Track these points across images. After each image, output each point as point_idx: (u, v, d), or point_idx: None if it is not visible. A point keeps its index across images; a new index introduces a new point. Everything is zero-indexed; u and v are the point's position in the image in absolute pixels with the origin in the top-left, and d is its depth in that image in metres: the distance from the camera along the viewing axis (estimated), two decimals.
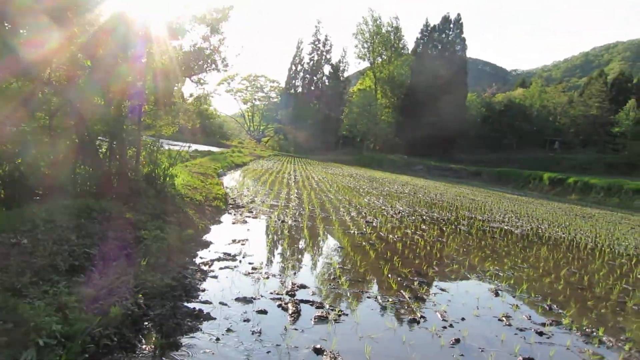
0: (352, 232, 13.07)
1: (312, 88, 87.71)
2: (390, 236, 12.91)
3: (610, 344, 6.56)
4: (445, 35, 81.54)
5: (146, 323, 5.55)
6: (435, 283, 8.96)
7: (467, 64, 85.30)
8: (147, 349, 5.12)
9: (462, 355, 5.59)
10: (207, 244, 9.81)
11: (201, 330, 5.79)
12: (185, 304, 6.47)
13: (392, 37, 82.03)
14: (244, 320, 6.29)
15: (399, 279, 8.69)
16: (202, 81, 13.35)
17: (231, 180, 24.29)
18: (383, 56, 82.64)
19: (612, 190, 47.62)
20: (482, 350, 5.78)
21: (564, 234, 18.29)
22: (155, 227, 8.40)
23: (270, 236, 11.09)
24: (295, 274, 8.73)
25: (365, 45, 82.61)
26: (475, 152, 79.46)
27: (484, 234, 15.72)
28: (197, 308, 6.44)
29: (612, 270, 11.70)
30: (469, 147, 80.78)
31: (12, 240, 6.06)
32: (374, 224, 14.93)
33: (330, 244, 11.13)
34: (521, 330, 6.75)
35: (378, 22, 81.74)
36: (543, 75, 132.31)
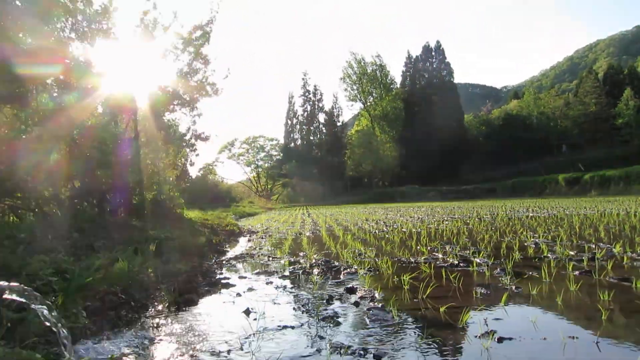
0: (372, 232, 12.69)
1: (311, 138, 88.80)
2: (414, 229, 12.47)
3: None
4: (429, 63, 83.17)
5: (159, 291, 5.14)
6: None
7: (457, 88, 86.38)
8: (160, 307, 4.70)
9: None
10: (222, 252, 9.44)
11: (220, 292, 5.37)
12: (201, 279, 6.06)
13: (379, 75, 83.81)
14: (267, 283, 5.87)
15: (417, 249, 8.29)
16: (195, 109, 13.31)
17: (244, 222, 24.01)
18: (374, 94, 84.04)
19: (631, 178, 46.62)
20: None
21: (592, 211, 17.73)
22: (164, 232, 8.07)
23: (288, 242, 10.64)
24: (317, 256, 8.31)
25: (355, 87, 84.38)
26: (484, 170, 78.77)
27: (508, 221, 15.23)
28: (215, 279, 6.04)
29: None
30: (478, 167, 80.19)
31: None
32: (394, 226, 14.51)
33: (350, 238, 10.66)
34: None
35: (362, 63, 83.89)
36: (534, 86, 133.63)
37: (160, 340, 3.70)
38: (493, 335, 3.37)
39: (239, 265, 7.72)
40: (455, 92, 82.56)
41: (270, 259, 8.29)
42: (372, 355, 3.11)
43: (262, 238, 12.67)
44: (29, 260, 4.39)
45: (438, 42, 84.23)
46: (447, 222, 15.35)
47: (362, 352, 3.18)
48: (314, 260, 7.60)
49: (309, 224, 18.51)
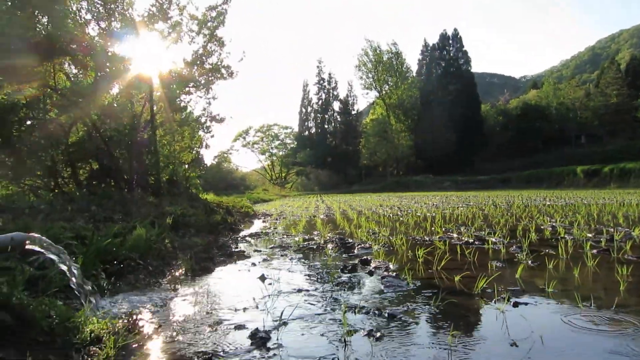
0: (386, 215, 12.68)
1: (325, 126, 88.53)
2: (429, 214, 12.44)
3: None
4: (446, 52, 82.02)
5: (175, 261, 5.21)
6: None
7: (475, 77, 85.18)
8: (177, 273, 4.78)
9: None
10: (237, 230, 9.51)
11: (235, 263, 5.43)
12: (217, 251, 6.13)
13: (395, 63, 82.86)
14: (282, 255, 5.92)
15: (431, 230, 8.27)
16: (211, 91, 13.34)
17: (259, 207, 24.12)
18: (389, 83, 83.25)
19: None
20: None
21: (611, 201, 17.47)
22: (180, 209, 8.16)
23: (302, 223, 10.68)
24: (331, 234, 8.35)
25: (370, 75, 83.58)
26: (501, 161, 77.74)
27: (524, 208, 15.09)
28: (230, 251, 6.11)
29: None
30: (494, 157, 79.19)
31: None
32: (408, 211, 14.48)
33: (364, 220, 10.66)
34: None
35: (378, 51, 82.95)
36: (553, 76, 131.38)
37: (178, 299, 3.77)
38: (509, 300, 3.37)
39: (254, 241, 7.79)
40: (472, 81, 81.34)
41: (285, 236, 8.35)
42: (387, 314, 3.13)
43: (277, 220, 12.74)
44: (49, 225, 4.48)
45: (455, 30, 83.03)
46: (462, 209, 15.25)
47: (376, 311, 3.20)
48: (328, 237, 7.63)
49: (323, 208, 18.54)
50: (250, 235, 8.66)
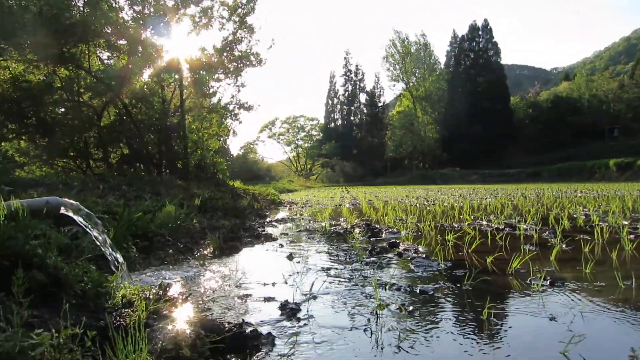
0: (413, 204, 12.58)
1: (351, 118, 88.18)
2: (456, 204, 12.25)
3: None
4: (475, 43, 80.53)
5: (203, 240, 5.24)
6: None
7: (504, 68, 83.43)
8: (206, 252, 4.80)
9: None
10: (263, 216, 9.54)
11: (262, 244, 5.43)
12: (244, 232, 6.15)
13: (423, 54, 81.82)
14: (309, 238, 5.90)
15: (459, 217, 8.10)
16: (240, 78, 13.38)
17: (284, 196, 24.20)
18: (417, 74, 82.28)
19: None
20: None
21: None
22: (208, 192, 8.22)
23: (328, 210, 10.64)
24: (358, 220, 8.30)
25: (397, 67, 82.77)
26: (530, 154, 76.10)
27: (554, 199, 14.74)
28: (257, 232, 6.13)
29: None
30: (523, 151, 77.59)
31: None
32: (435, 201, 14.31)
33: (390, 209, 10.56)
34: None
35: (406, 42, 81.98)
36: (586, 68, 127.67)
37: (207, 274, 3.79)
38: (545, 279, 3.26)
39: (281, 226, 7.80)
40: (501, 73, 79.70)
41: (311, 222, 8.33)
42: (418, 290, 3.07)
43: (302, 207, 12.74)
44: (82, 199, 4.55)
45: (485, 20, 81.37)
46: (490, 199, 14.97)
47: (407, 288, 3.14)
48: (354, 223, 7.58)
49: (349, 198, 18.47)
50: (277, 221, 8.67)
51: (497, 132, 72.87)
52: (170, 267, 3.99)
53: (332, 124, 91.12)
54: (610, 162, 53.51)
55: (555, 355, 1.96)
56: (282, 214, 11.00)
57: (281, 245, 5.25)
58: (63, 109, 9.88)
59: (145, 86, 11.57)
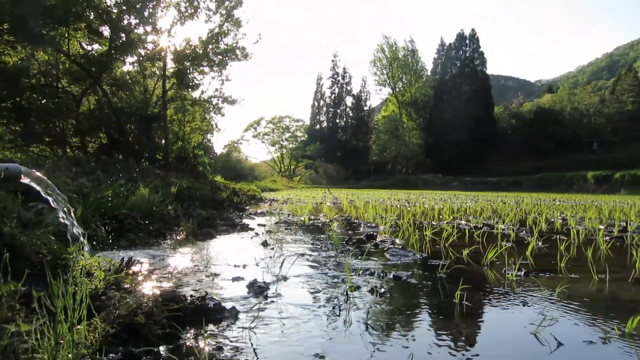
0: (394, 205, 12.56)
1: (337, 120, 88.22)
2: (436, 206, 12.27)
3: None
4: (462, 52, 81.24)
5: (177, 227, 5.12)
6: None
7: (490, 78, 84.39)
8: (179, 237, 4.68)
9: None
10: (242, 209, 9.40)
11: (238, 232, 5.33)
12: (220, 221, 6.04)
13: (410, 60, 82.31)
14: (286, 229, 5.82)
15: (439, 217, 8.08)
16: (224, 71, 13.23)
17: (266, 194, 24.05)
18: (403, 80, 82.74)
19: None
20: None
21: (622, 203, 17.21)
22: (186, 183, 8.08)
23: (309, 207, 10.56)
24: (337, 216, 8.25)
25: (384, 72, 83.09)
26: (511, 164, 77.05)
27: (533, 205, 14.87)
28: (234, 222, 6.02)
29: None
30: (504, 160, 78.50)
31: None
32: (416, 203, 14.35)
33: (371, 207, 10.53)
34: None
35: (394, 47, 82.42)
36: (569, 82, 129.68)
37: (177, 256, 3.67)
38: (519, 269, 3.23)
39: (259, 218, 7.69)
40: (487, 83, 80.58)
41: (290, 216, 8.23)
42: (392, 276, 3.01)
43: (283, 204, 12.64)
44: (51, 177, 4.39)
45: (473, 30, 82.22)
46: (470, 203, 15.06)
47: (381, 274, 3.08)
48: (334, 218, 7.52)
49: (330, 198, 18.41)
50: (256, 214, 8.56)
51: (480, 141, 73.60)
52: (140, 249, 3.86)
53: (318, 126, 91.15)
54: (589, 175, 54.47)
55: (527, 336, 1.91)
56: (262, 209, 10.88)
57: (257, 234, 5.16)
58: (40, 93, 9.61)
59: (127, 75, 11.36)
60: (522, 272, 3.17)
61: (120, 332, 1.66)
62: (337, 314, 2.17)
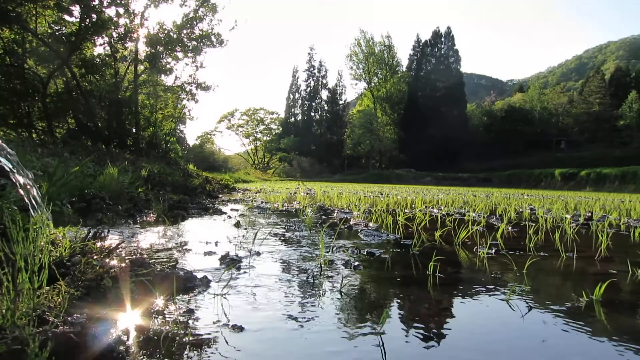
0: (367, 196, 12.62)
1: (312, 114, 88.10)
2: (409, 197, 12.35)
3: None
4: (437, 49, 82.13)
5: (147, 209, 5.01)
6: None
7: (463, 77, 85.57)
8: (149, 219, 4.58)
9: None
10: (215, 197, 9.28)
11: (211, 215, 5.25)
12: (192, 205, 5.94)
13: (386, 56, 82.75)
14: (259, 213, 5.76)
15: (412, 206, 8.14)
16: (199, 57, 13.00)
17: (240, 185, 23.84)
18: (379, 75, 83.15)
19: (626, 177, 46.57)
20: None
21: (587, 198, 17.68)
22: (157, 168, 7.92)
23: (282, 195, 10.50)
24: (312, 202, 8.21)
25: (360, 66, 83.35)
26: (482, 161, 78.52)
27: (503, 198, 15.10)
28: (206, 206, 5.93)
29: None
30: (475, 157, 79.92)
31: None
32: (389, 195, 14.44)
33: (345, 197, 10.54)
34: None
35: (371, 42, 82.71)
36: (540, 82, 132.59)
37: (147, 234, 3.59)
38: (490, 248, 3.27)
39: (232, 205, 7.60)
40: (460, 81, 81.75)
41: (264, 203, 8.17)
42: (366, 252, 3.01)
43: (257, 193, 12.54)
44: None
45: (449, 28, 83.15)
46: (442, 196, 15.25)
47: (355, 250, 3.07)
48: (307, 204, 7.49)
49: (304, 189, 18.39)
50: (229, 201, 8.46)
51: (453, 137, 74.68)
52: (108, 227, 3.76)
53: (292, 119, 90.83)
54: (556, 172, 55.92)
55: (499, 303, 1.93)
56: (235, 197, 10.77)
57: (230, 217, 5.09)
58: (5, 73, 9.25)
59: (98, 58, 11.05)
60: (493, 251, 3.22)
61: (86, 296, 1.60)
62: (311, 283, 2.15)
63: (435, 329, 1.57)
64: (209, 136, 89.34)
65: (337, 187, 24.68)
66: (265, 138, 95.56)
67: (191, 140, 76.17)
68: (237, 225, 4.24)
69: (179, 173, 8.91)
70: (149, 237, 3.38)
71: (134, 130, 11.08)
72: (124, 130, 10.68)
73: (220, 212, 5.66)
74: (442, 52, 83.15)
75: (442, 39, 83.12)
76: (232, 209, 6.37)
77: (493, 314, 1.80)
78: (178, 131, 18.12)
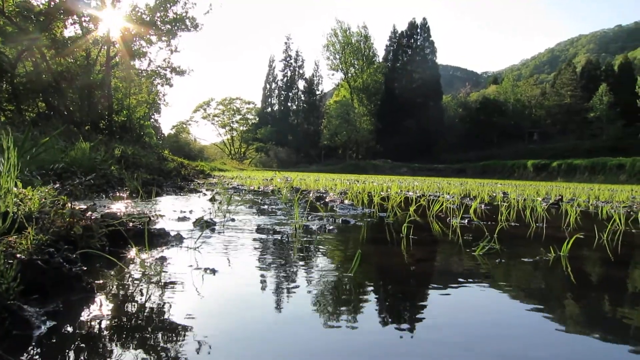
0: (342, 182, 12.66)
1: (289, 104, 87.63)
2: (385, 185, 12.40)
3: None
4: (413, 40, 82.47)
5: (121, 185, 4.93)
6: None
7: (439, 68, 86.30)
8: (123, 195, 4.51)
9: None
10: (190, 180, 9.18)
11: (186, 194, 5.20)
12: (167, 183, 5.87)
13: (363, 46, 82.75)
14: (235, 193, 5.73)
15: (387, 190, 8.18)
16: (173, 40, 12.78)
17: (216, 173, 23.63)
18: (355, 65, 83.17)
19: (596, 168, 47.86)
20: None
21: (558, 187, 18.04)
22: (130, 150, 7.79)
23: (258, 181, 10.46)
24: (288, 185, 8.20)
25: (337, 57, 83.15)
26: (457, 152, 79.55)
27: (477, 186, 15.32)
28: (182, 184, 5.88)
29: None
30: (451, 148, 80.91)
31: None
32: (365, 183, 14.51)
33: (321, 183, 10.56)
34: None
35: (348, 32, 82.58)
36: (513, 74, 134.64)
37: (120, 205, 3.53)
38: (463, 219, 3.33)
39: (208, 187, 7.54)
40: (436, 72, 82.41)
41: (240, 185, 8.13)
42: (341, 220, 3.03)
43: (232, 179, 12.47)
44: None
45: (424, 19, 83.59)
46: (417, 184, 15.43)
47: (330, 219, 3.09)
48: (283, 186, 7.48)
49: (281, 177, 18.35)
50: (204, 184, 8.39)
51: (429, 129, 75.39)
52: (80, 200, 3.69)
53: (269, 109, 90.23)
54: (529, 163, 57.05)
55: (470, 256, 1.98)
56: (211, 181, 10.69)
57: (205, 194, 5.05)
58: None
59: (69, 40, 10.76)
60: (466, 221, 3.28)
61: (55, 243, 1.57)
62: (285, 241, 2.15)
63: (408, 275, 1.60)
64: (184, 126, 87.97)
65: (314, 176, 24.70)
66: (241, 128, 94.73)
67: (166, 129, 75.06)
68: (212, 199, 4.22)
69: (153, 156, 8.79)
70: (122, 207, 3.34)
71: (106, 114, 10.84)
72: (96, 113, 10.45)
73: (196, 191, 5.62)
74: (418, 43, 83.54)
75: (418, 30, 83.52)
76: (207, 190, 6.31)
77: (464, 264, 1.84)
78: (152, 120, 17.78)
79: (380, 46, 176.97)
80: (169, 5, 12.47)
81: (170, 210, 3.25)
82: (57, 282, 1.15)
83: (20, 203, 2.02)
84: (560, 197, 7.92)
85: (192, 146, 79.39)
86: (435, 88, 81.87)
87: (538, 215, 4.48)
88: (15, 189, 2.38)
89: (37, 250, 1.31)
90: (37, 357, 0.86)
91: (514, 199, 7.08)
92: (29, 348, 0.89)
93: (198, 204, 3.92)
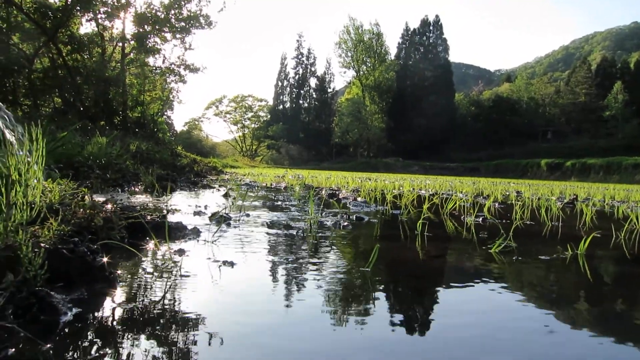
0: (353, 180, 12.64)
1: (300, 102, 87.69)
2: (397, 182, 12.37)
3: None
4: (426, 37, 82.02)
5: (135, 180, 4.99)
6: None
7: (451, 66, 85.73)
8: (137, 189, 4.56)
9: None
10: (203, 176, 9.25)
11: (199, 189, 5.24)
12: (181, 178, 5.92)
13: (375, 44, 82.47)
14: (248, 189, 5.76)
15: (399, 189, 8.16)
16: (187, 38, 12.85)
17: (227, 170, 23.76)
18: (367, 63, 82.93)
19: (611, 168, 47.24)
20: None
21: (572, 187, 17.86)
22: (145, 145, 7.87)
23: (270, 177, 10.50)
24: (300, 183, 8.22)
25: (349, 54, 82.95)
26: (470, 150, 78.98)
27: (489, 185, 15.22)
28: (195, 180, 5.93)
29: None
30: (463, 146, 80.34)
31: None
32: (377, 181, 14.47)
33: (332, 180, 10.57)
34: None
35: (360, 30, 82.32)
36: (527, 72, 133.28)
37: (137, 198, 3.58)
38: (478, 217, 3.32)
39: (221, 183, 7.60)
40: (448, 70, 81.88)
41: (253, 182, 8.17)
42: (355, 217, 3.04)
43: (244, 175, 12.53)
44: None
45: (437, 16, 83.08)
46: (429, 182, 15.38)
47: (344, 215, 3.10)
48: (295, 183, 7.51)
49: (293, 174, 18.40)
50: (217, 180, 8.45)
51: (441, 127, 74.93)
52: (97, 193, 3.74)
53: (281, 106, 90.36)
54: (542, 162, 56.52)
55: (486, 253, 1.98)
56: (223, 177, 10.76)
57: (218, 190, 5.09)
58: None
59: (85, 37, 10.87)
60: (480, 219, 3.27)
61: (77, 234, 1.60)
62: (300, 236, 2.17)
63: (424, 270, 1.61)
64: (196, 122, 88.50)
65: (325, 173, 24.73)
66: (253, 125, 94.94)
67: (179, 126, 75.50)
68: (226, 195, 4.25)
69: (167, 152, 8.87)
70: (139, 200, 3.38)
71: (121, 110, 10.95)
72: (111, 109, 10.56)
73: (209, 187, 5.66)
74: (431, 40, 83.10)
75: (431, 28, 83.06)
76: (220, 186, 6.36)
77: (481, 260, 1.85)
78: (165, 117, 17.90)
79: (392, 44, 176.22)
80: (183, 3, 12.54)
81: (185, 205, 3.28)
82: (82, 271, 1.18)
83: (41, 195, 2.06)
84: (575, 196, 7.84)
85: (204, 143, 79.88)
86: (448, 86, 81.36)
87: (553, 214, 4.44)
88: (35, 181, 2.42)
89: (60, 240, 1.34)
90: (64, 341, 0.89)
91: (528, 198, 7.01)
92: (57, 333, 0.92)
93: (212, 200, 3.96)
